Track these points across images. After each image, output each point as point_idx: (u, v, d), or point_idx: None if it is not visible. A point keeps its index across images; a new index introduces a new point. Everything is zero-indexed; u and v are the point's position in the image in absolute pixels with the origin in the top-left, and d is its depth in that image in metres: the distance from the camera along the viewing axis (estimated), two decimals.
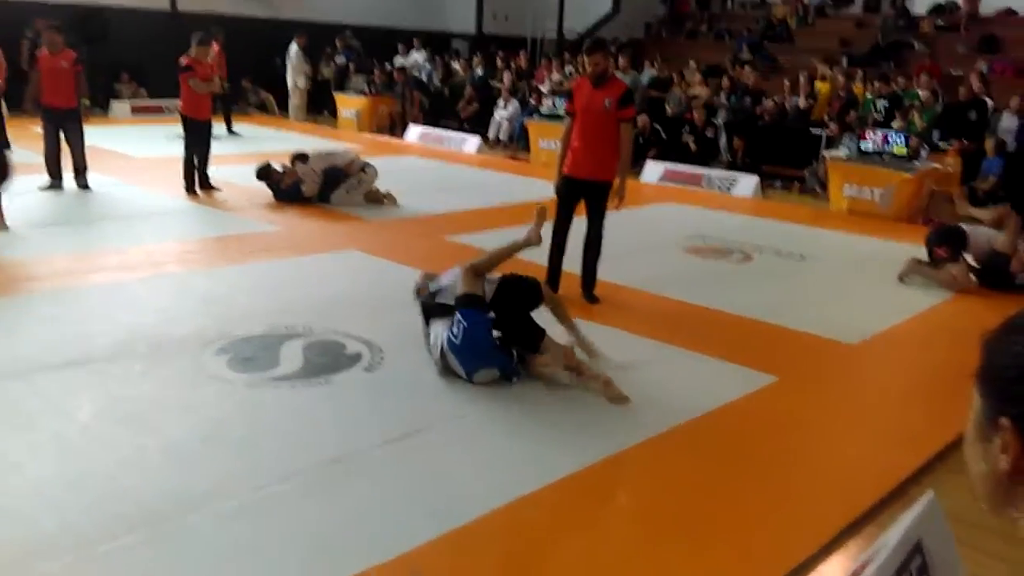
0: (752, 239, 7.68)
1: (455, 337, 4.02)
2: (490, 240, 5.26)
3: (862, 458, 3.61)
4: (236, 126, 13.52)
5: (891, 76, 12.15)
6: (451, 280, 4.33)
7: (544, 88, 14.20)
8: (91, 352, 4.25)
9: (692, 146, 11.60)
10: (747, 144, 11.44)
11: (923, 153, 9.52)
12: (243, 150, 11.48)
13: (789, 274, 6.75)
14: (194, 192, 8.51)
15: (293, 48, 15.35)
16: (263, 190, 8.41)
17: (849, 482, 3.38)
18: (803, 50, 15.27)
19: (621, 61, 12.73)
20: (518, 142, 13.64)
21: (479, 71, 16.07)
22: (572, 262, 5.65)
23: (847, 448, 3.70)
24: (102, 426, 3.51)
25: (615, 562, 2.77)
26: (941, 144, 10.22)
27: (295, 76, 15.61)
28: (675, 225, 8.36)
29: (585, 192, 5.56)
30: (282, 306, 5.10)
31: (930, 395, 4.40)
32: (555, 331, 4.33)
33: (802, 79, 12.29)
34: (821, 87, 12.39)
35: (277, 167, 8.45)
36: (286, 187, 8.29)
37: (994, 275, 6.30)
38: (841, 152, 10.00)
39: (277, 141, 12.47)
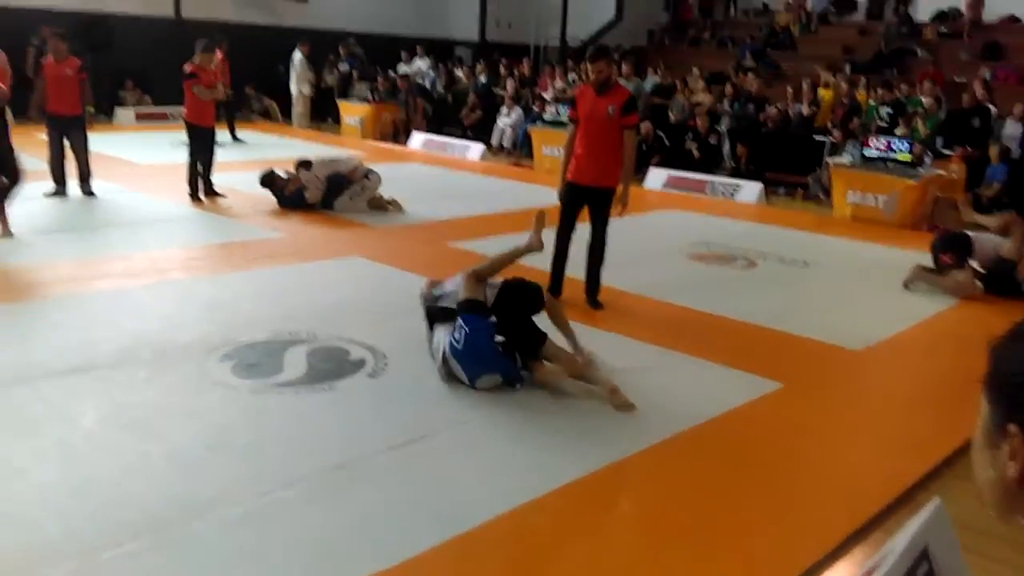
0: (756, 246, 7.67)
1: (457, 343, 4.02)
2: (493, 246, 5.26)
3: (867, 464, 3.60)
4: (240, 133, 13.55)
5: (894, 83, 12.16)
6: (454, 286, 4.34)
7: (547, 95, 14.23)
8: (95, 358, 4.25)
9: (695, 153, 11.61)
10: (750, 151, 11.44)
11: (927, 160, 9.51)
12: (247, 157, 11.50)
13: (793, 281, 6.74)
14: (198, 199, 8.53)
15: (297, 56, 15.41)
16: (267, 197, 8.43)
17: (854, 489, 3.37)
18: (806, 57, 15.29)
19: (624, 68, 12.75)
20: (521, 149, 13.65)
21: (482, 78, 16.10)
22: (576, 268, 5.65)
23: (852, 454, 3.69)
24: (106, 432, 3.51)
25: (619, 569, 2.76)
26: (945, 151, 10.22)
27: (299, 84, 15.66)
28: (679, 232, 8.36)
29: (588, 199, 5.56)
30: (286, 312, 5.10)
31: (936, 401, 4.38)
32: (555, 337, 4.33)
33: (805, 86, 12.30)
34: (824, 94, 12.40)
35: (281, 174, 8.46)
36: (290, 194, 8.30)
37: (1000, 281, 6.29)
38: (845, 159, 10.00)
39: (281, 148, 12.50)
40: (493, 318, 4.14)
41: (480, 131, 14.57)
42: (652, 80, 14.31)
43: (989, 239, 6.54)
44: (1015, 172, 9.46)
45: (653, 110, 12.80)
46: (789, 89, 12.53)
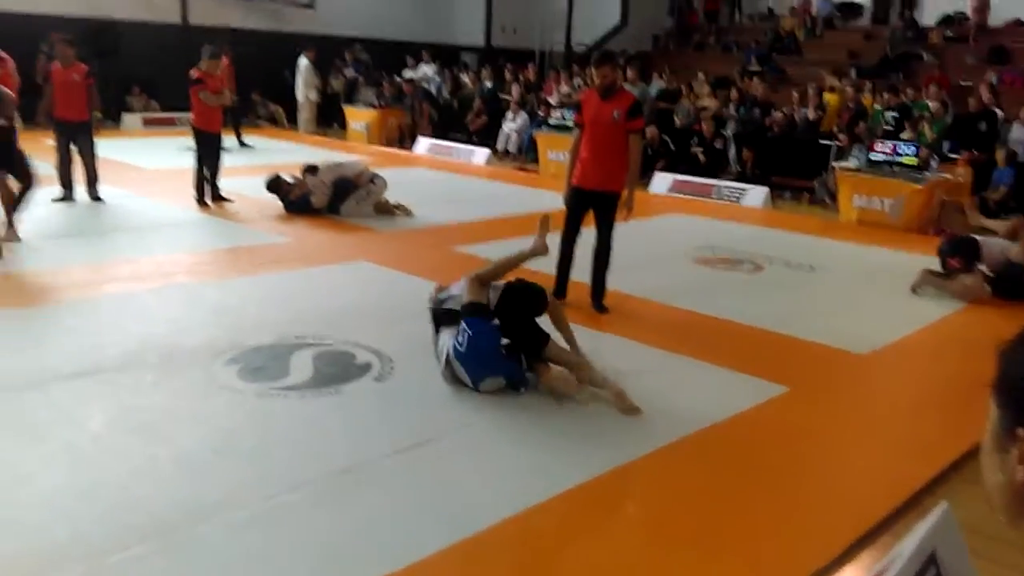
0: (762, 250, 7.67)
1: (460, 345, 4.03)
2: (499, 251, 5.26)
3: (874, 469, 3.59)
4: (247, 138, 13.59)
5: (900, 87, 12.15)
6: (460, 290, 4.35)
7: (553, 100, 14.24)
8: (103, 362, 4.27)
9: (701, 157, 11.61)
10: (756, 155, 11.43)
11: (933, 164, 9.49)
12: (253, 162, 11.54)
13: (799, 285, 6.73)
14: (205, 204, 8.55)
15: (304, 62, 15.45)
16: (273, 202, 8.45)
17: (861, 493, 3.36)
18: (811, 62, 15.29)
19: (630, 73, 12.74)
20: (527, 154, 13.67)
21: (488, 83, 16.13)
22: (582, 273, 5.66)
23: (859, 459, 3.68)
24: (114, 436, 3.52)
25: (625, 572, 2.76)
26: (951, 155, 10.20)
27: (306, 90, 15.70)
28: (684, 236, 8.36)
29: (594, 203, 5.57)
30: (292, 316, 5.11)
31: (943, 405, 4.37)
32: (556, 339, 4.32)
33: (811, 91, 12.29)
34: (830, 99, 12.39)
35: (287, 179, 8.49)
36: (296, 198, 8.33)
37: (1008, 285, 6.27)
38: (851, 163, 9.98)
39: (287, 153, 12.54)
40: (496, 321, 4.14)
41: (485, 136, 14.60)
42: (657, 85, 14.32)
43: (997, 243, 6.52)
44: (1022, 176, 9.43)
45: (658, 115, 12.81)
46: (794, 94, 12.52)
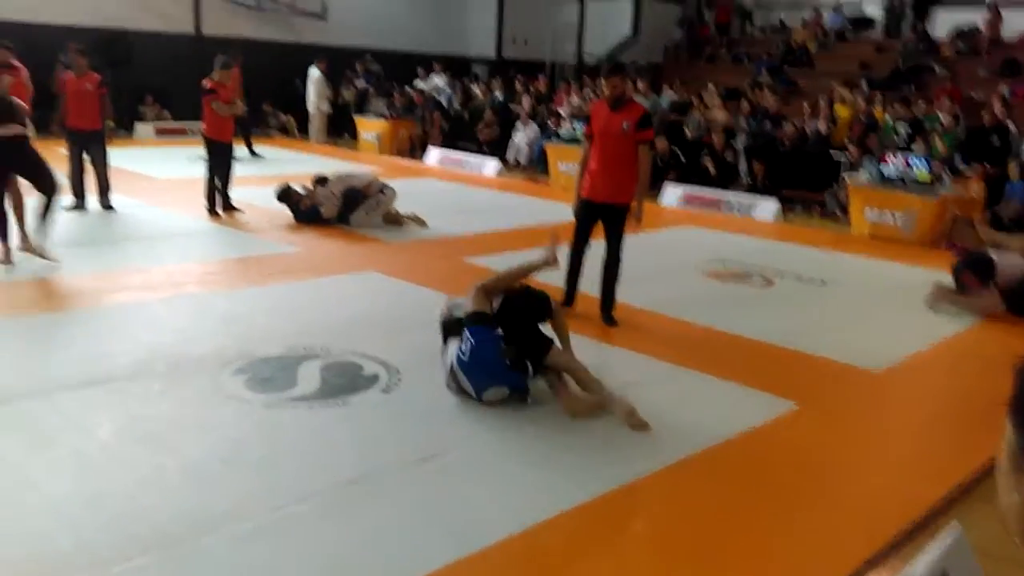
0: (773, 263, 7.63)
1: (464, 354, 4.01)
2: (509, 262, 5.26)
3: (885, 488, 3.54)
4: (258, 148, 13.66)
5: (912, 100, 12.10)
6: (468, 300, 4.35)
7: (563, 111, 14.26)
8: (112, 371, 4.28)
9: (711, 170, 11.59)
10: (767, 168, 11.40)
11: (945, 179, 9.44)
12: (264, 172, 11.59)
13: (811, 299, 6.68)
14: (216, 213, 8.59)
15: (315, 72, 15.54)
16: (284, 211, 8.48)
17: (871, 513, 3.31)
18: (823, 74, 15.29)
19: (641, 85, 12.79)
20: (537, 165, 13.68)
21: (499, 95, 16.18)
22: (591, 285, 5.64)
23: (869, 477, 3.63)
24: (121, 445, 3.52)
25: None
26: (963, 168, 10.14)
27: (318, 100, 15.79)
28: (695, 249, 8.33)
29: (603, 215, 5.55)
30: (300, 327, 5.12)
31: (957, 423, 4.32)
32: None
33: (822, 103, 12.27)
34: (841, 111, 12.36)
35: (298, 189, 8.51)
36: (306, 209, 8.35)
37: (1023, 302, 6.21)
38: (862, 176, 9.95)
39: (298, 163, 12.59)
40: (500, 330, 4.12)
41: (496, 147, 14.63)
42: (668, 96, 14.33)
43: (1011, 259, 6.47)
44: None
45: (669, 126, 12.80)
46: (805, 106, 12.51)
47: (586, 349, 4.69)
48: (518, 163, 14.18)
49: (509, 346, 4.06)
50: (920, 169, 9.19)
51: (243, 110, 10.26)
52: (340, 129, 16.56)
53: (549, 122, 14.12)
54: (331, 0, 17.36)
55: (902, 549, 3.02)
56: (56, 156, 8.89)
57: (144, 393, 4.05)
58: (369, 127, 15.70)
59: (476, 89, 17.05)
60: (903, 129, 11.22)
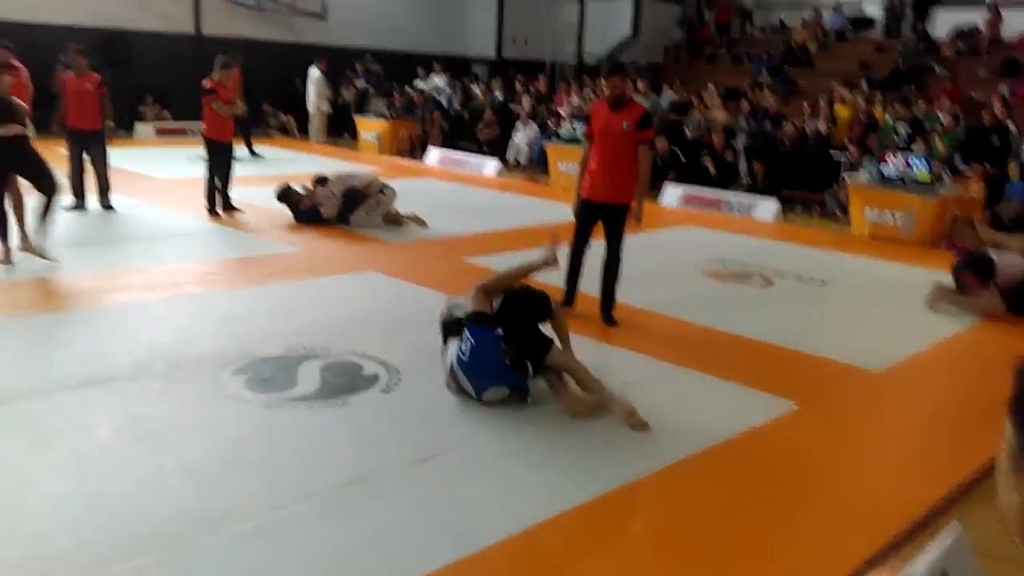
0: (773, 263, 7.63)
1: (464, 354, 4.01)
2: (509, 262, 5.26)
3: (885, 488, 3.54)
4: (258, 148, 13.65)
5: (912, 100, 12.10)
6: (468, 300, 4.34)
7: (563, 111, 14.27)
8: (112, 371, 4.28)
9: (711, 170, 11.59)
10: (767, 168, 11.40)
11: (945, 179, 9.44)
12: (264, 172, 11.59)
13: (811, 299, 6.68)
14: (216, 213, 8.58)
15: (316, 73, 15.54)
16: (284, 211, 8.48)
17: (872, 512, 3.31)
18: (823, 74, 15.29)
19: (641, 85, 12.79)
20: (537, 165, 13.68)
21: (499, 95, 16.18)
22: (591, 285, 5.64)
23: (870, 477, 3.63)
24: (121, 445, 3.52)
25: None
26: (963, 168, 10.14)
27: (318, 100, 15.79)
28: (695, 249, 8.33)
29: (603, 215, 5.55)
30: (300, 327, 5.11)
31: (957, 423, 4.32)
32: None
33: (822, 103, 12.26)
34: (841, 111, 12.36)
35: (298, 189, 8.51)
36: (306, 209, 8.35)
37: (1023, 302, 6.21)
38: (862, 176, 9.94)
39: (298, 163, 12.59)
40: (500, 330, 4.12)
41: (496, 147, 14.63)
42: (668, 96, 14.33)
43: (1011, 259, 6.47)
44: None
45: (669, 126, 12.80)
46: (805, 106, 12.51)
47: (586, 349, 4.69)
48: (518, 163, 14.18)
49: (509, 346, 4.06)
50: (920, 169, 9.19)
51: (243, 110, 10.26)
52: (340, 129, 16.55)
53: (549, 122, 14.12)
54: (331, 0, 17.36)
55: (902, 549, 3.02)
56: (56, 156, 8.89)
57: (144, 393, 4.05)
58: (369, 127, 15.70)
59: (476, 89, 17.05)
60: (903, 129, 11.22)
